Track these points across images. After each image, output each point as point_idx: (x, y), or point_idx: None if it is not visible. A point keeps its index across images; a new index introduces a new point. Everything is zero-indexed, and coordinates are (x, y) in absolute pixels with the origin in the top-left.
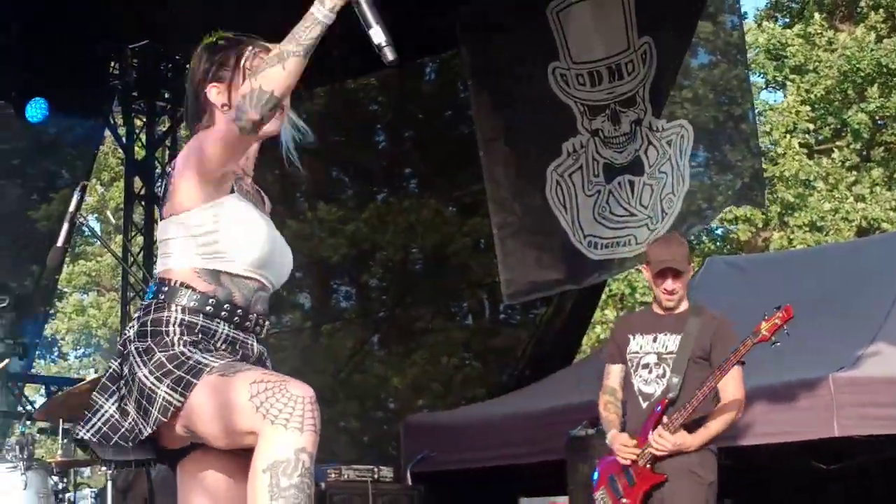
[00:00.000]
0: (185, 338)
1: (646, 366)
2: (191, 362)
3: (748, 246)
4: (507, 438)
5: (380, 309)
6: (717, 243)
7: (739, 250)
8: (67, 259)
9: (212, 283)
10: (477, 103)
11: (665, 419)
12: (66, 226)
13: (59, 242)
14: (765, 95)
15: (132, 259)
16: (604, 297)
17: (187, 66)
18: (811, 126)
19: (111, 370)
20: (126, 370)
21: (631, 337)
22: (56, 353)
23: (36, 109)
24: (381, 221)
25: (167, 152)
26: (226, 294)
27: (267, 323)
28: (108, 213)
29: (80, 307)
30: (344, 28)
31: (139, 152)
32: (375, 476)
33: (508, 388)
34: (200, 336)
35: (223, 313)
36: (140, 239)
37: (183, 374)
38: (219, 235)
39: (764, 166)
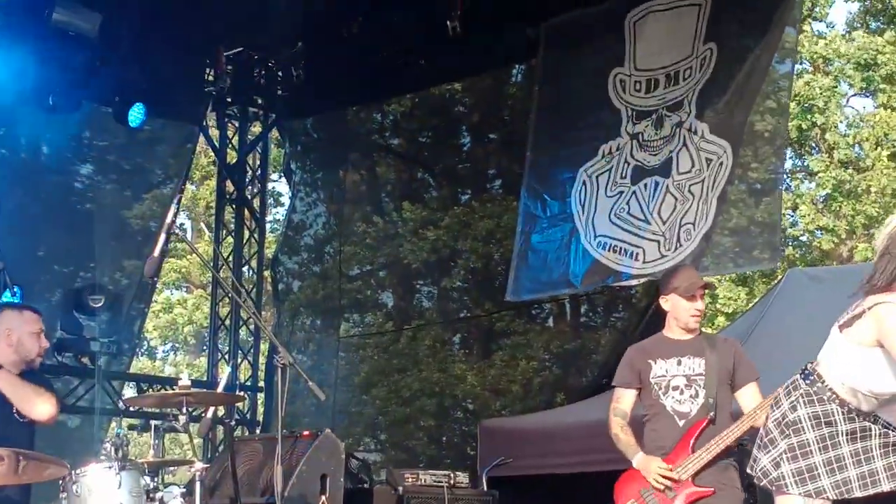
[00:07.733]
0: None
1: (676, 387)
2: None
3: (831, 256)
4: (582, 445)
5: (461, 310)
6: (801, 251)
7: (822, 260)
8: None
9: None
10: (537, 109)
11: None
12: (162, 236)
13: (156, 253)
14: (854, 102)
15: (222, 260)
16: None
17: (279, 72)
18: None
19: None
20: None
21: (652, 362)
22: (144, 349)
23: (136, 115)
24: (462, 226)
25: (258, 156)
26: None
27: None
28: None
29: (168, 304)
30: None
31: (231, 156)
32: (451, 482)
33: (587, 393)
34: None
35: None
36: (230, 240)
37: None
38: None
39: (849, 177)
